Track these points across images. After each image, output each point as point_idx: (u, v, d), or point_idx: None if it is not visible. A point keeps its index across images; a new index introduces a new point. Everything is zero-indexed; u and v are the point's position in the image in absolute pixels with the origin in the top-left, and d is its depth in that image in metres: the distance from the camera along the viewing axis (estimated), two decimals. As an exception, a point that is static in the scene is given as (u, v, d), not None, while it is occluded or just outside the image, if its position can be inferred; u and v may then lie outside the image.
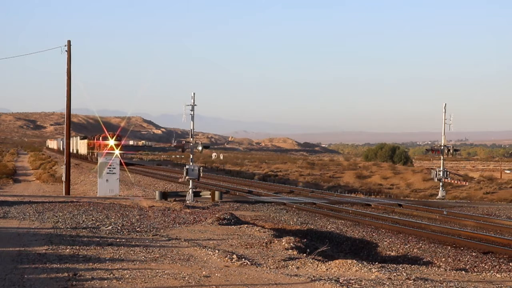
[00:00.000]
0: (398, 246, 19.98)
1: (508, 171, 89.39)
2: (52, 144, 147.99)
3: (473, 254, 18.39)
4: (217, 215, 21.77)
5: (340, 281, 11.18)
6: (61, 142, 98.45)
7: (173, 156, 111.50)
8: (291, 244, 15.98)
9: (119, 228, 18.27)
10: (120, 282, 10.56)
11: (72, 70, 37.18)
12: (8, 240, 15.28)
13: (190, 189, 31.58)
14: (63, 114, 73.23)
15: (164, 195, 31.94)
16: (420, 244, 19.94)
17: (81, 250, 13.76)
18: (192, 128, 31.53)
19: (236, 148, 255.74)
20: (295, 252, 14.98)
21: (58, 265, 11.90)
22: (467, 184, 53.98)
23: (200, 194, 33.02)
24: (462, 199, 44.96)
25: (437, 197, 42.85)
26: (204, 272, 11.68)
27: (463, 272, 13.58)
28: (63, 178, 36.69)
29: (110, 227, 18.40)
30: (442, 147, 42.53)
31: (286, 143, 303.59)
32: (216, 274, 11.54)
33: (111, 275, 11.12)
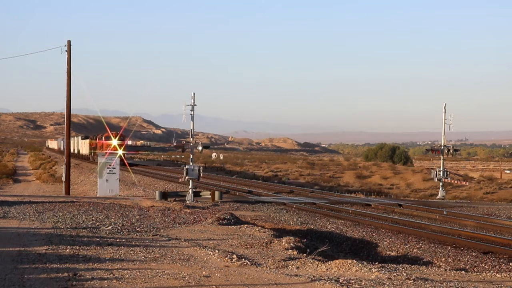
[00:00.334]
0: (398, 246, 19.98)
1: (508, 171, 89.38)
2: (53, 144, 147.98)
3: (473, 254, 18.39)
4: (217, 215, 21.76)
5: (340, 281, 11.18)
6: (62, 142, 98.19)
7: (173, 156, 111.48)
8: (291, 244, 15.97)
9: (119, 228, 18.27)
10: (120, 282, 10.56)
11: (72, 70, 37.21)
12: (8, 240, 15.28)
13: (190, 189, 31.57)
14: (63, 114, 73.23)
15: (164, 195, 31.94)
16: (420, 244, 19.94)
17: (81, 250, 13.76)
18: (192, 128, 31.52)
19: (236, 148, 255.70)
20: (295, 252, 14.98)
21: (58, 265, 11.89)
22: (467, 184, 53.97)
23: (200, 194, 33.01)
24: (462, 199, 44.95)
25: (437, 197, 42.84)
26: (204, 272, 11.68)
27: (463, 272, 13.57)
28: (63, 178, 36.69)
29: (110, 227, 18.39)
30: (442, 147, 42.52)
31: (286, 143, 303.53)
32: (216, 274, 11.54)
33: (111, 275, 11.12)
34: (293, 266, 13.02)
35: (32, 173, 63.60)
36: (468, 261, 17.47)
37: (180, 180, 34.04)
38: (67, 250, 13.64)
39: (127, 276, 11.07)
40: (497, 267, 16.75)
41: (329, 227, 23.98)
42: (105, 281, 10.57)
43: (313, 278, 11.37)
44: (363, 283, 11.04)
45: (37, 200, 26.92)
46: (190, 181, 31.41)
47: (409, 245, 19.96)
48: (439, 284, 11.27)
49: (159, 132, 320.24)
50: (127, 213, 22.45)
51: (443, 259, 17.87)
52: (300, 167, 78.89)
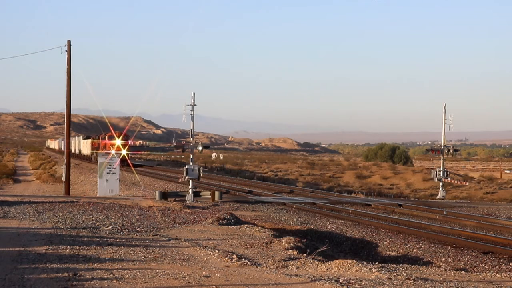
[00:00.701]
0: (398, 246, 19.98)
1: (508, 171, 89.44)
2: (53, 144, 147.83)
3: (473, 254, 18.39)
4: (217, 215, 21.76)
5: (340, 281, 11.18)
6: (62, 142, 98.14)
7: (173, 156, 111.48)
8: (291, 244, 15.97)
9: (119, 228, 18.26)
10: (120, 282, 10.56)
11: (72, 70, 37.23)
12: (8, 240, 15.28)
13: (190, 189, 31.57)
14: (63, 114, 73.10)
15: (164, 195, 31.94)
16: (420, 244, 19.94)
17: (81, 250, 13.76)
18: (192, 128, 31.53)
19: (236, 148, 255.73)
20: (295, 252, 14.97)
21: (58, 265, 11.89)
22: (467, 184, 53.98)
23: (200, 194, 33.02)
24: (462, 199, 44.99)
25: (437, 197, 42.85)
26: (204, 272, 11.68)
27: (463, 272, 13.57)
28: (63, 178, 36.71)
29: (110, 227, 18.39)
30: (442, 147, 42.54)
31: (286, 143, 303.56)
32: (216, 274, 11.54)
33: (111, 275, 11.12)
34: (293, 266, 13.02)
35: (32, 173, 63.63)
36: (468, 261, 17.47)
37: (180, 180, 34.06)
38: (67, 250, 13.64)
39: (127, 276, 11.07)
40: (497, 267, 16.75)
41: (329, 227, 23.98)
42: (105, 281, 10.57)
43: (313, 278, 11.37)
44: (363, 283, 11.04)
45: (37, 200, 26.91)
46: (190, 181, 31.42)
47: (409, 245, 19.96)
48: (439, 284, 11.27)
49: (159, 132, 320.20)
50: (127, 213, 22.45)
51: (443, 259, 17.87)
52: (300, 167, 78.91)
